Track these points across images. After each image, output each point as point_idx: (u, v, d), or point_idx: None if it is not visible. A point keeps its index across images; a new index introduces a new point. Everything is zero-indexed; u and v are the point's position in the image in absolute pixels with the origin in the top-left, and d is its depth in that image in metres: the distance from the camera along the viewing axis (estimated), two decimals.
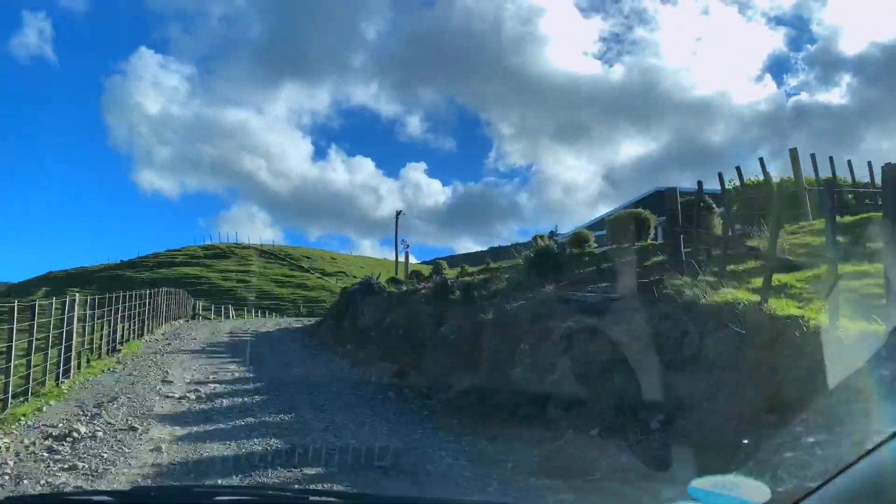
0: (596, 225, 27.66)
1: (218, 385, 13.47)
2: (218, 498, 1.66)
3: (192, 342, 22.18)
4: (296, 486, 5.58)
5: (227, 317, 42.97)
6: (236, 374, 14.91)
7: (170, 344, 21.31)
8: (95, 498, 1.76)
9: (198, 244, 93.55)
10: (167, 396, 12.36)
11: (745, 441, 6.02)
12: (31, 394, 11.15)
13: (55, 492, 5.54)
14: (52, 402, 11.03)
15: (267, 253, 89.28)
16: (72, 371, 13.24)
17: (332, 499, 1.94)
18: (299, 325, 31.52)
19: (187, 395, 12.55)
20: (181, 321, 32.09)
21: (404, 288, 21.35)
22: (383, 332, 18.95)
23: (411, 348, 16.53)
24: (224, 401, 12.11)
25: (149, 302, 24.63)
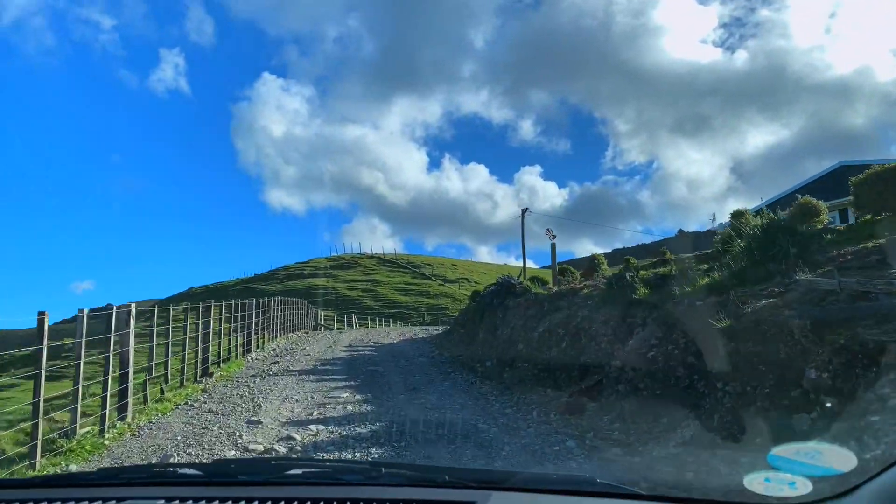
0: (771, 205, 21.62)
1: (321, 427, 9.21)
2: (293, 471, 1.61)
3: (304, 359, 18.37)
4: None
5: (351, 325, 39.84)
6: (349, 408, 10.59)
7: (276, 363, 17.54)
8: (181, 470, 1.71)
9: (324, 256, 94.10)
10: (247, 449, 8.25)
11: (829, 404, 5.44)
12: (51, 451, 7.42)
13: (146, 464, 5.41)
14: (72, 465, 7.23)
15: (389, 261, 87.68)
16: (129, 410, 9.46)
17: (405, 471, 1.63)
18: (425, 336, 27.31)
19: (275, 446, 8.36)
20: (300, 333, 28.92)
21: (556, 288, 16.42)
22: (535, 345, 14.14)
23: (582, 369, 11.58)
24: (325, 456, 7.85)
25: (260, 313, 21.28)
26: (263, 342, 21.96)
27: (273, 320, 24.02)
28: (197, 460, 7.66)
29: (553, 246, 18.51)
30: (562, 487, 1.56)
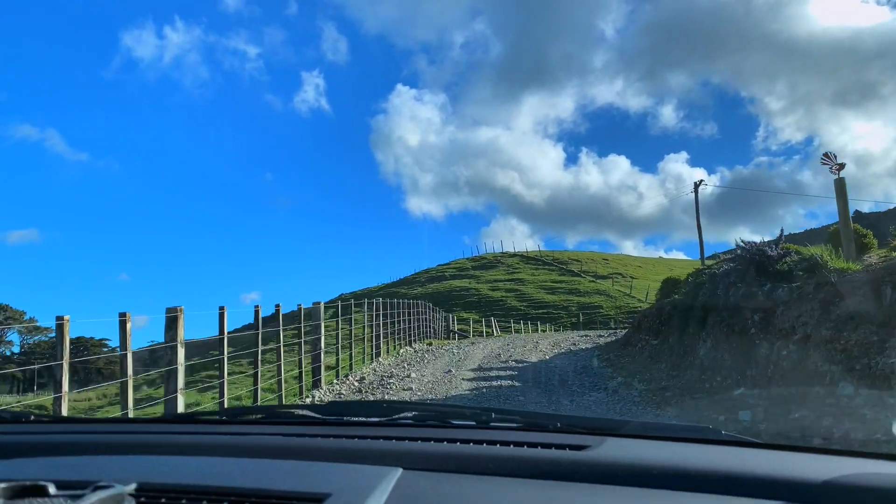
0: None
1: None
2: (404, 413, 1.61)
3: (403, 395, 10.97)
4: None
5: (490, 328, 32.14)
6: None
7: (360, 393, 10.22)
8: (298, 411, 1.79)
9: (466, 257, 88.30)
10: None
11: None
12: None
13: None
14: None
15: (533, 259, 79.58)
16: None
17: (516, 416, 1.59)
18: (588, 345, 18.92)
19: None
20: (423, 344, 21.73)
21: (875, 260, 7.61)
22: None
23: None
24: None
25: (376, 318, 14.21)
26: (357, 363, 14.91)
27: (375, 330, 16.94)
28: None
29: (841, 184, 9.42)
30: (682, 435, 1.43)
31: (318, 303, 11.98)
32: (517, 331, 37.50)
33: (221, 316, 9.03)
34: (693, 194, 37.67)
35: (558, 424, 1.49)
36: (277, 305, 11.14)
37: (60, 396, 6.24)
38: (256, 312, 10.33)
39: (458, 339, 26.73)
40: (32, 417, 1.76)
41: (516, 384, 11.71)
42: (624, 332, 21.81)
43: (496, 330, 31.82)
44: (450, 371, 13.52)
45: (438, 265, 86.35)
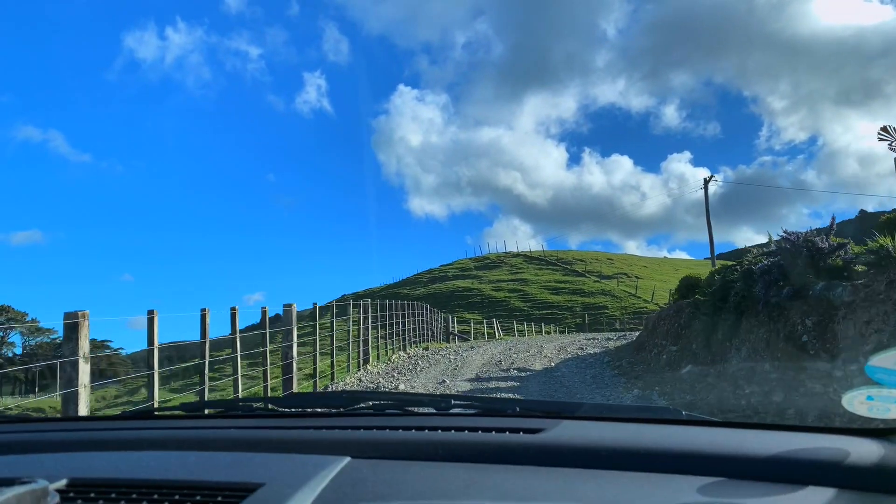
0: None
1: None
2: (364, 402, 1.59)
3: None
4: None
5: (492, 330, 30.56)
6: None
7: None
8: (255, 404, 1.77)
9: (469, 257, 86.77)
10: None
11: None
12: None
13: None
14: None
15: (537, 259, 78.01)
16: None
17: (475, 402, 1.62)
18: (596, 350, 17.33)
19: None
20: (419, 349, 20.19)
21: None
22: None
23: None
24: None
25: (369, 321, 12.67)
26: (345, 371, 13.37)
27: (385, 329, 15.42)
28: None
29: None
30: (638, 416, 1.41)
31: (291, 305, 10.47)
32: (520, 332, 35.86)
33: (203, 318, 8.69)
34: (703, 191, 36.10)
35: (517, 409, 1.48)
36: (264, 309, 10.21)
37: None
38: (233, 315, 9.56)
39: (459, 341, 25.18)
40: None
41: (518, 398, 10.16)
42: (635, 335, 20.21)
43: (498, 332, 30.23)
44: (443, 382, 11.95)
45: (441, 265, 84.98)
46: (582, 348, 17.92)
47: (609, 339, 21.12)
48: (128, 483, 0.99)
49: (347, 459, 1.09)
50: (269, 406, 1.69)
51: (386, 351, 17.69)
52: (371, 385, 12.21)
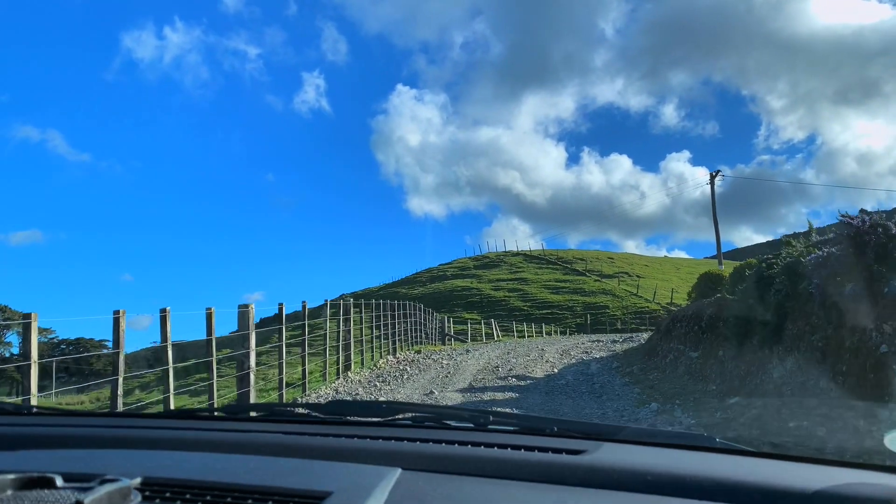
0: None
1: None
2: (403, 414, 1.60)
3: None
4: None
5: (491, 331, 28.97)
6: None
7: None
8: (297, 409, 1.80)
9: (468, 255, 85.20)
10: None
11: None
12: None
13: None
14: None
15: (537, 258, 76.42)
16: None
17: (514, 419, 1.63)
18: (603, 354, 15.75)
19: None
20: (411, 352, 18.61)
21: None
22: None
23: None
24: None
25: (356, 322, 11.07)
26: (321, 380, 11.80)
27: (374, 331, 13.86)
28: None
29: None
30: (677, 442, 1.38)
31: (247, 307, 8.88)
32: (520, 334, 34.26)
33: (209, 318, 8.38)
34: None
35: (555, 428, 1.45)
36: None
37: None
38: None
39: (455, 343, 23.61)
40: (35, 410, 1.76)
41: (517, 412, 8.60)
42: (642, 336, 18.63)
43: (497, 333, 28.62)
44: (431, 393, 10.35)
45: (440, 265, 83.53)
46: (587, 352, 16.35)
47: (615, 341, 19.53)
48: (200, 485, 0.98)
49: (399, 471, 1.10)
50: (312, 412, 1.69)
51: (373, 355, 16.13)
52: (349, 396, 10.63)
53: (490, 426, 1.47)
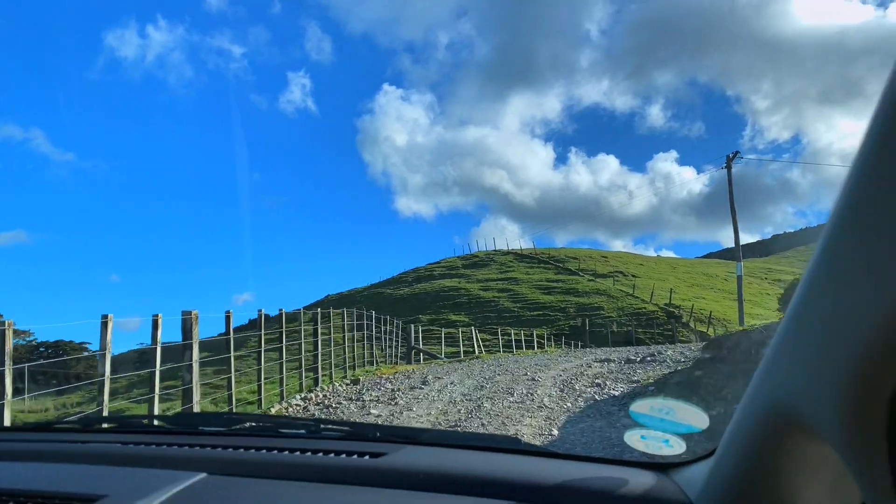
0: None
1: None
2: (243, 424, 1.64)
3: None
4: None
5: (472, 342, 23.27)
6: None
7: None
8: (146, 421, 1.90)
9: (457, 255, 79.81)
10: None
11: None
12: None
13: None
14: None
15: (528, 256, 71.09)
16: None
17: (344, 426, 1.68)
18: (622, 387, 10.20)
19: None
20: (346, 380, 13.01)
21: None
22: None
23: None
24: None
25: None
26: None
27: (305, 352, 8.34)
28: None
29: None
30: (475, 444, 1.44)
31: (190, 313, 7.84)
32: (507, 344, 28.66)
33: (155, 324, 7.58)
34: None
35: (377, 434, 1.52)
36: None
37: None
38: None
39: (423, 362, 18.05)
40: None
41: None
42: (669, 353, 13.10)
43: (478, 346, 22.90)
44: None
45: (427, 264, 78.14)
46: (598, 382, 10.82)
47: (630, 360, 14.01)
48: None
49: (202, 475, 1.15)
50: (159, 423, 1.71)
51: (301, 384, 10.73)
52: None
53: (321, 434, 1.52)
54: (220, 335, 9.72)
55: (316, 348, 12.84)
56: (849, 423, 0.52)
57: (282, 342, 11.24)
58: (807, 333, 0.58)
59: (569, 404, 9.11)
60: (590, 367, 13.32)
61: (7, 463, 1.29)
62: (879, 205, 0.43)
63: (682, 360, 13.08)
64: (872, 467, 0.51)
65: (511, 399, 9.51)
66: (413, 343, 18.40)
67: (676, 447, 1.17)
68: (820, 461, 0.70)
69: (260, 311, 10.65)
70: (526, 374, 12.18)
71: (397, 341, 19.12)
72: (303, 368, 12.16)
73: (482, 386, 10.84)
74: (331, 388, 12.11)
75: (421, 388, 10.87)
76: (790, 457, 0.72)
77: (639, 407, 1.20)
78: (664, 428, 1.16)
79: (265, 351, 10.37)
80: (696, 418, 1.15)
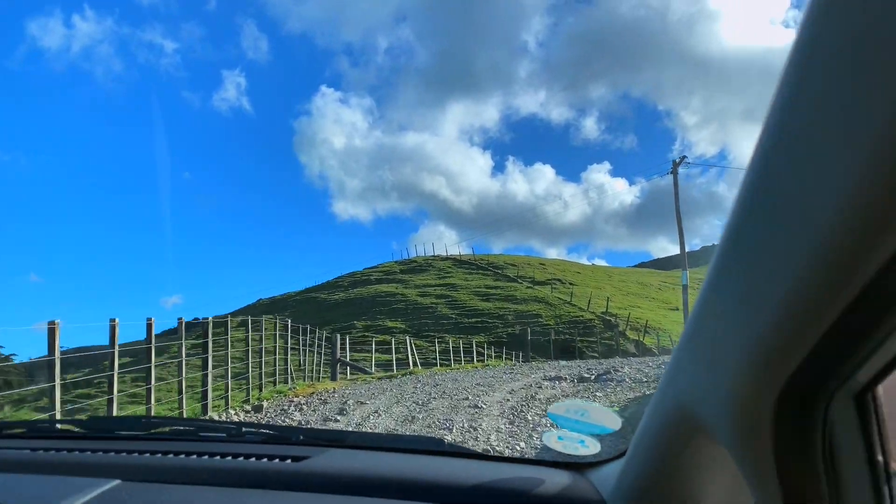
0: None
1: None
2: (161, 428, 1.54)
3: None
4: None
5: (407, 351, 20.92)
6: None
7: None
8: (60, 425, 1.68)
9: (395, 259, 77.37)
10: None
11: None
12: None
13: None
14: None
15: (467, 262, 69.53)
16: None
17: (266, 430, 1.59)
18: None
19: None
20: (236, 406, 10.45)
21: None
22: None
23: None
24: None
25: None
26: None
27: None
28: None
29: None
30: (398, 446, 1.40)
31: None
32: (444, 358, 26.52)
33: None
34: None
35: (301, 437, 1.46)
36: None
37: None
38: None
39: (348, 377, 15.59)
40: None
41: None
42: (627, 371, 11.29)
43: (413, 359, 20.55)
44: None
45: (365, 269, 75.44)
46: (544, 405, 8.83)
47: (583, 377, 12.13)
48: None
49: (117, 482, 1.10)
50: (72, 427, 1.61)
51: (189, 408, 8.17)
52: None
53: (243, 438, 1.46)
54: (142, 341, 9.28)
55: (224, 363, 10.38)
56: (738, 427, 0.53)
57: (207, 352, 9.38)
58: (703, 338, 0.59)
59: (521, 444, 7.00)
60: (540, 387, 11.31)
61: None
62: (762, 215, 0.44)
63: (644, 378, 11.30)
64: (760, 471, 0.53)
65: (449, 437, 7.30)
66: (339, 355, 15.90)
67: (592, 447, 1.19)
68: (720, 463, 0.71)
69: (180, 319, 9.90)
70: (467, 399, 10.00)
71: (320, 353, 16.58)
72: (209, 388, 9.70)
73: (413, 416, 8.57)
74: (224, 415, 9.56)
75: (336, 421, 8.47)
76: (693, 458, 0.74)
77: (556, 409, 1.24)
78: (580, 429, 1.19)
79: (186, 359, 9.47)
80: (609, 420, 1.20)
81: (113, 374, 7.96)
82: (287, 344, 13.47)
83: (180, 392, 9.31)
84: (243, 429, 1.49)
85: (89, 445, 1.36)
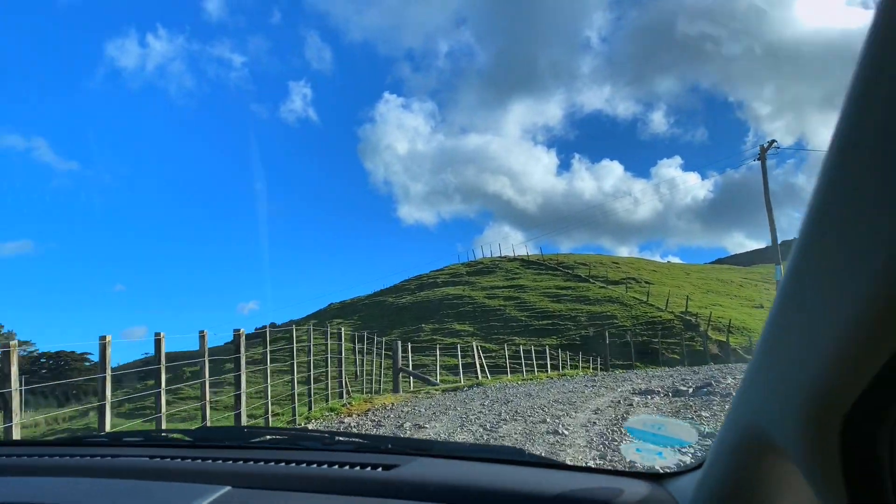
0: None
1: None
2: (261, 437, 1.65)
3: None
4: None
5: (474, 356, 19.29)
6: None
7: None
8: (171, 435, 1.82)
9: (461, 262, 76.01)
10: None
11: None
12: None
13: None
14: None
15: (535, 263, 67.13)
16: None
17: (357, 439, 1.67)
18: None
19: None
20: (312, 425, 9.16)
21: None
22: None
23: None
24: None
25: None
26: None
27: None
28: None
29: None
30: (483, 455, 1.44)
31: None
32: (514, 358, 24.69)
33: (158, 344, 7.76)
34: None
35: (389, 445, 1.52)
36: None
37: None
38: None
39: (410, 388, 14.17)
40: None
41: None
42: (711, 373, 9.06)
43: (481, 367, 18.86)
44: None
45: (431, 271, 74.48)
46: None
47: (679, 391, 10.12)
48: None
49: (227, 488, 1.16)
50: (182, 437, 1.71)
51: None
52: None
53: (335, 447, 1.53)
54: (225, 345, 9.38)
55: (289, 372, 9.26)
56: (808, 447, 0.54)
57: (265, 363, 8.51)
58: (773, 357, 0.60)
59: None
60: (630, 405, 9.41)
61: (38, 478, 1.29)
62: (833, 231, 0.44)
63: None
64: (831, 492, 0.53)
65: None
66: (400, 363, 14.51)
67: (669, 459, 1.23)
68: (793, 481, 0.72)
69: (265, 327, 10.10)
70: (544, 421, 8.26)
71: (379, 358, 15.29)
72: (268, 400, 8.61)
73: (491, 424, 6.93)
74: None
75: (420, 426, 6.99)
76: (766, 476, 0.75)
77: (634, 423, 1.30)
78: (657, 441, 1.24)
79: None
80: (685, 433, 1.25)
81: (205, 382, 8.21)
82: (340, 354, 12.20)
83: (265, 398, 8.93)
84: (336, 437, 1.57)
85: (200, 454, 1.44)
